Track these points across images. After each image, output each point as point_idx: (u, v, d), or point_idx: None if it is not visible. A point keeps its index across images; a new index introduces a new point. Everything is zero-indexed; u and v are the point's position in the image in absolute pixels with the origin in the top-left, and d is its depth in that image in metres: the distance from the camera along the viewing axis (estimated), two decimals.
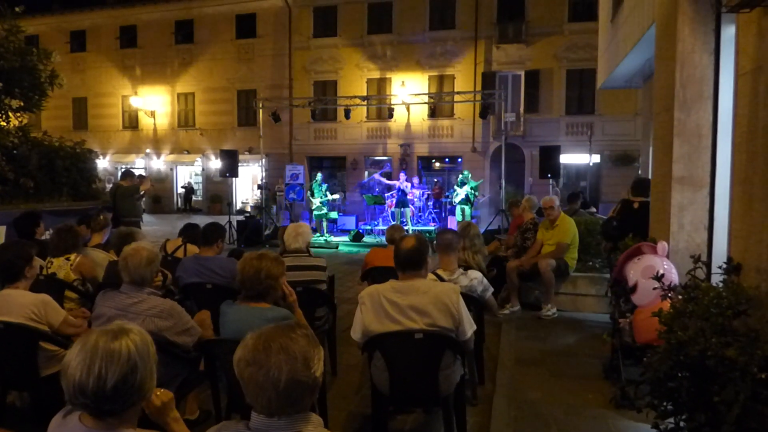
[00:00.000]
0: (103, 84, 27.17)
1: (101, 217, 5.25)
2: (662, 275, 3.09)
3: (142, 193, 8.07)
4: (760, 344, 2.24)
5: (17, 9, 7.75)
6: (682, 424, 2.46)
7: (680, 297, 2.80)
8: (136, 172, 8.85)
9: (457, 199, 14.64)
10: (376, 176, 15.34)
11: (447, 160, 23.48)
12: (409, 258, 2.90)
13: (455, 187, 14.97)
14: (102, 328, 1.54)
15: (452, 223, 14.38)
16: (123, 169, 9.08)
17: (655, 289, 3.13)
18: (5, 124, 7.72)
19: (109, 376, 1.43)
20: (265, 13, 24.71)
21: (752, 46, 2.80)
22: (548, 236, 6.26)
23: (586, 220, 7.17)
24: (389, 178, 18.21)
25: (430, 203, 16.70)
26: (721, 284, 2.80)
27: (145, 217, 11.83)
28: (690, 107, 3.92)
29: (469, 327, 2.90)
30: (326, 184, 15.05)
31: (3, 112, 7.60)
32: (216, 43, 25.39)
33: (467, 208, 14.48)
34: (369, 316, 2.85)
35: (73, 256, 4.10)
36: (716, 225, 3.84)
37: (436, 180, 20.66)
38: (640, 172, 11.85)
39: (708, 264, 3.29)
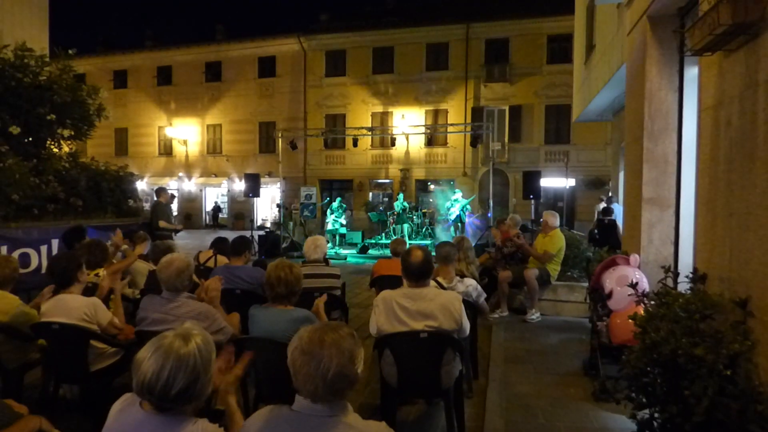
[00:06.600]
0: (141, 116, 27.35)
1: (141, 233, 5.33)
2: (636, 283, 3.09)
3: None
4: (725, 344, 2.23)
5: (70, 51, 7.80)
6: (656, 415, 2.44)
7: (653, 302, 2.80)
8: (169, 192, 8.96)
9: (452, 217, 14.61)
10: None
11: (441, 182, 23.47)
12: (420, 271, 2.88)
13: (451, 203, 14.84)
14: (174, 333, 1.50)
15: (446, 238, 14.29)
16: (156, 188, 9.08)
17: (629, 295, 3.12)
18: (58, 150, 7.75)
19: (175, 383, 1.41)
20: (284, 56, 25.02)
21: (714, 84, 2.83)
22: (540, 243, 6.37)
23: (566, 236, 7.15)
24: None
25: (427, 221, 16.65)
26: (688, 291, 2.79)
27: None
28: (657, 138, 3.95)
29: (467, 328, 2.93)
30: (344, 206, 15.37)
31: (56, 140, 7.63)
32: (240, 81, 25.64)
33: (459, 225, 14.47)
34: (381, 317, 2.87)
35: (101, 272, 3.97)
36: (681, 240, 3.84)
37: (430, 200, 20.64)
38: (610, 194, 11.89)
39: (675, 274, 3.29)
